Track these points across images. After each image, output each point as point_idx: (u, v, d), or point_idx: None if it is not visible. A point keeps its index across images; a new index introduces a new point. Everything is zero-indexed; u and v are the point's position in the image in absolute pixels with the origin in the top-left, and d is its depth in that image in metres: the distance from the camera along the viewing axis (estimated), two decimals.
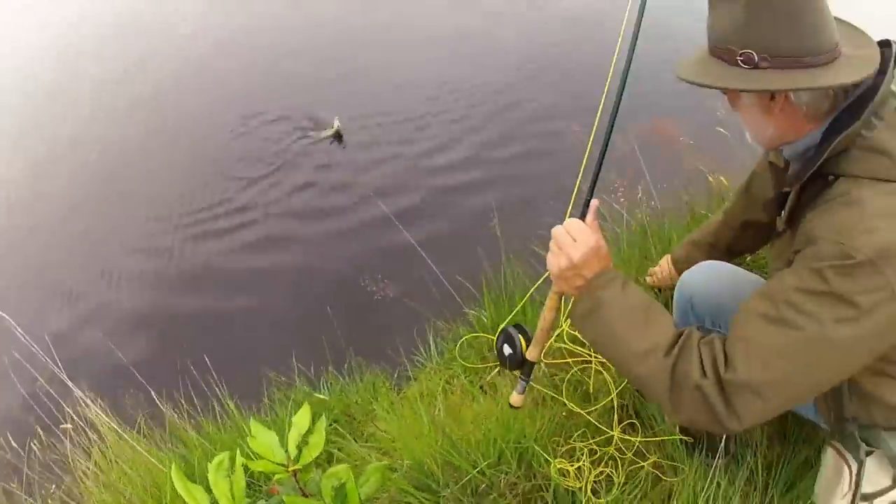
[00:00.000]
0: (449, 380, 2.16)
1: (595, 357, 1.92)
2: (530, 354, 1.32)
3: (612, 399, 1.75)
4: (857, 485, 1.21)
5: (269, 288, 3.19)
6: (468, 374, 2.14)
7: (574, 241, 1.14)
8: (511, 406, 1.39)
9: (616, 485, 1.50)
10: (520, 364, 1.34)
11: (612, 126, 1.10)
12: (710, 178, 2.69)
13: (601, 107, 1.20)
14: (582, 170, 1.24)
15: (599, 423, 1.70)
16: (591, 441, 1.67)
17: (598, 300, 1.13)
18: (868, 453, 1.20)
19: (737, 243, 1.76)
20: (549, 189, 3.38)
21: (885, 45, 1.09)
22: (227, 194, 3.86)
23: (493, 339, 2.08)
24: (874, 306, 0.94)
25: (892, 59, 1.05)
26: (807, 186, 1.10)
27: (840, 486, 1.23)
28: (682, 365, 1.04)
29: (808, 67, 1.02)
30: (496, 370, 2.07)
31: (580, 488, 1.54)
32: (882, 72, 1.04)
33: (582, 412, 1.74)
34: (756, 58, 1.03)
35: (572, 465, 1.59)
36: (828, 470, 1.27)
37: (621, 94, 1.13)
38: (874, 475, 1.23)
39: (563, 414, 1.78)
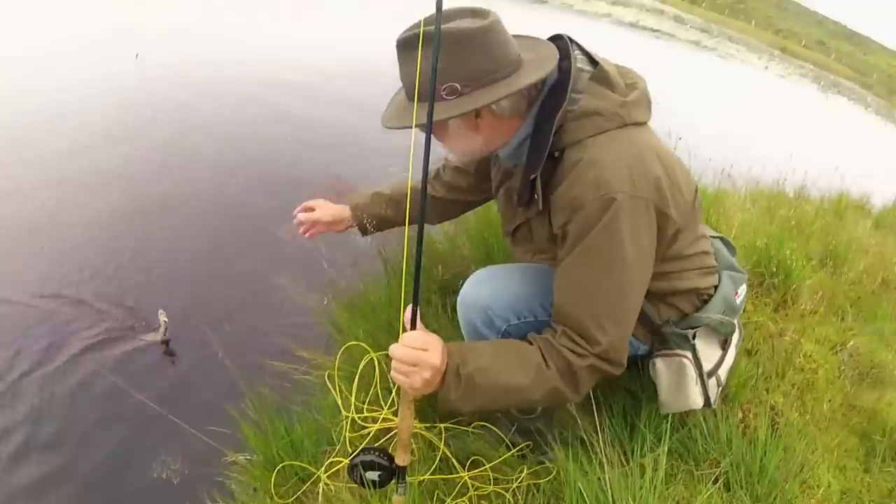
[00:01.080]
0: None
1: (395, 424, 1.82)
2: (401, 461, 1.25)
3: (442, 451, 1.72)
4: (700, 367, 1.47)
5: None
6: None
7: (425, 350, 1.12)
8: None
9: None
10: (394, 475, 1.27)
11: (422, 241, 1.10)
12: None
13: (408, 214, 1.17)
14: (403, 286, 1.20)
15: (445, 476, 1.66)
16: (452, 498, 1.61)
17: (469, 376, 1.16)
18: (693, 336, 1.46)
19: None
20: (262, 311, 2.97)
21: (557, 38, 1.32)
22: None
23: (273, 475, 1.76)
24: (648, 221, 1.20)
25: (570, 45, 1.27)
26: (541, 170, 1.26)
27: (688, 378, 1.46)
28: (562, 364, 1.19)
29: (502, 80, 1.19)
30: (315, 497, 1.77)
31: None
32: (566, 57, 1.25)
33: (429, 478, 1.66)
34: (459, 87, 1.16)
35: None
36: (666, 377, 1.48)
37: (423, 213, 1.12)
38: (706, 352, 1.50)
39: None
